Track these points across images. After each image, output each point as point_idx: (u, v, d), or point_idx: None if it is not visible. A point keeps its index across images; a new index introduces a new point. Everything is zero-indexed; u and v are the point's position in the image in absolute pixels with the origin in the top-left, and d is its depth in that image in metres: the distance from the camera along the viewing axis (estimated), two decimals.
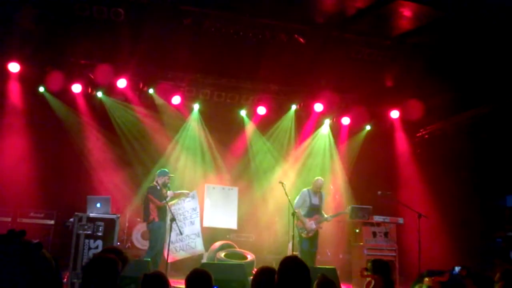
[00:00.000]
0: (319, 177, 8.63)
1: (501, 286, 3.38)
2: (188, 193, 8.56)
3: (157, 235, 7.78)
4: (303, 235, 8.13)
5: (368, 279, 5.12)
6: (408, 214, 8.26)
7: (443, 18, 7.70)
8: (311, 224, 8.15)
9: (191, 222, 8.47)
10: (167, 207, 7.69)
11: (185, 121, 10.63)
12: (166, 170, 8.26)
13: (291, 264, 2.77)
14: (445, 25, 7.88)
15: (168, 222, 7.75)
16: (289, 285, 2.69)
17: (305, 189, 8.53)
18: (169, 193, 8.02)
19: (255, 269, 7.91)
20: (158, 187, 7.84)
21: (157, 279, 3.33)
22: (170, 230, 7.48)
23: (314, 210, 8.32)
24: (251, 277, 7.13)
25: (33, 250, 1.72)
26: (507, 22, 7.26)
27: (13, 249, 1.69)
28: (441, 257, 8.62)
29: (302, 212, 8.23)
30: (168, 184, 8.11)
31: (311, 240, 8.18)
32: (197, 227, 8.51)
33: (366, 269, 5.25)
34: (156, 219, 7.81)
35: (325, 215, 8.41)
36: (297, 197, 8.42)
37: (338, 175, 10.91)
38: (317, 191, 8.43)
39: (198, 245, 8.41)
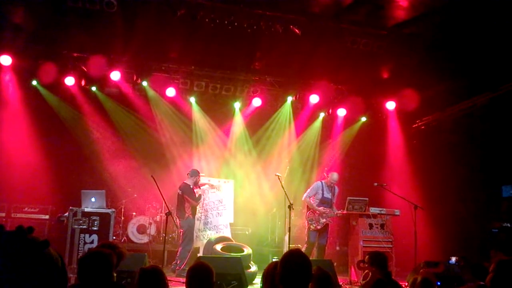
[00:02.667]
0: (335, 172, 8.57)
1: (492, 276, 3.36)
2: (213, 185, 9.11)
3: (192, 230, 8.24)
4: (312, 227, 8.10)
5: (366, 271, 5.11)
6: (404, 206, 8.25)
7: (439, 8, 7.65)
8: (321, 215, 8.13)
9: (218, 213, 9.03)
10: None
11: (179, 114, 10.57)
12: (197, 170, 8.57)
13: (293, 257, 2.74)
14: (441, 15, 7.82)
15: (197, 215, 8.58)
16: (291, 277, 2.66)
17: (319, 181, 8.48)
18: (200, 190, 8.45)
19: (252, 262, 7.96)
20: (191, 186, 8.20)
21: (154, 273, 3.29)
22: (167, 223, 7.48)
23: (325, 204, 8.26)
24: (247, 270, 7.16)
25: (39, 248, 1.67)
26: (504, 12, 7.21)
27: (20, 246, 1.64)
28: (438, 248, 8.65)
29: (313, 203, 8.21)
30: (199, 183, 8.49)
31: (320, 233, 8.15)
32: (225, 219, 9.11)
33: (363, 261, 5.23)
34: (191, 217, 8.15)
35: (336, 210, 8.35)
36: (310, 188, 8.41)
37: (332, 166, 10.87)
38: (331, 185, 8.38)
39: (226, 235, 8.84)
